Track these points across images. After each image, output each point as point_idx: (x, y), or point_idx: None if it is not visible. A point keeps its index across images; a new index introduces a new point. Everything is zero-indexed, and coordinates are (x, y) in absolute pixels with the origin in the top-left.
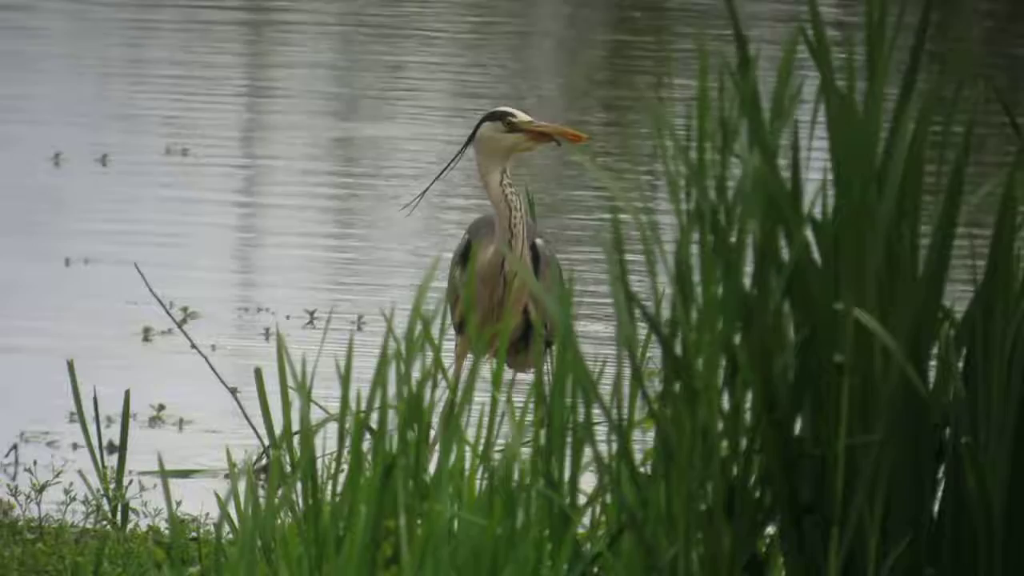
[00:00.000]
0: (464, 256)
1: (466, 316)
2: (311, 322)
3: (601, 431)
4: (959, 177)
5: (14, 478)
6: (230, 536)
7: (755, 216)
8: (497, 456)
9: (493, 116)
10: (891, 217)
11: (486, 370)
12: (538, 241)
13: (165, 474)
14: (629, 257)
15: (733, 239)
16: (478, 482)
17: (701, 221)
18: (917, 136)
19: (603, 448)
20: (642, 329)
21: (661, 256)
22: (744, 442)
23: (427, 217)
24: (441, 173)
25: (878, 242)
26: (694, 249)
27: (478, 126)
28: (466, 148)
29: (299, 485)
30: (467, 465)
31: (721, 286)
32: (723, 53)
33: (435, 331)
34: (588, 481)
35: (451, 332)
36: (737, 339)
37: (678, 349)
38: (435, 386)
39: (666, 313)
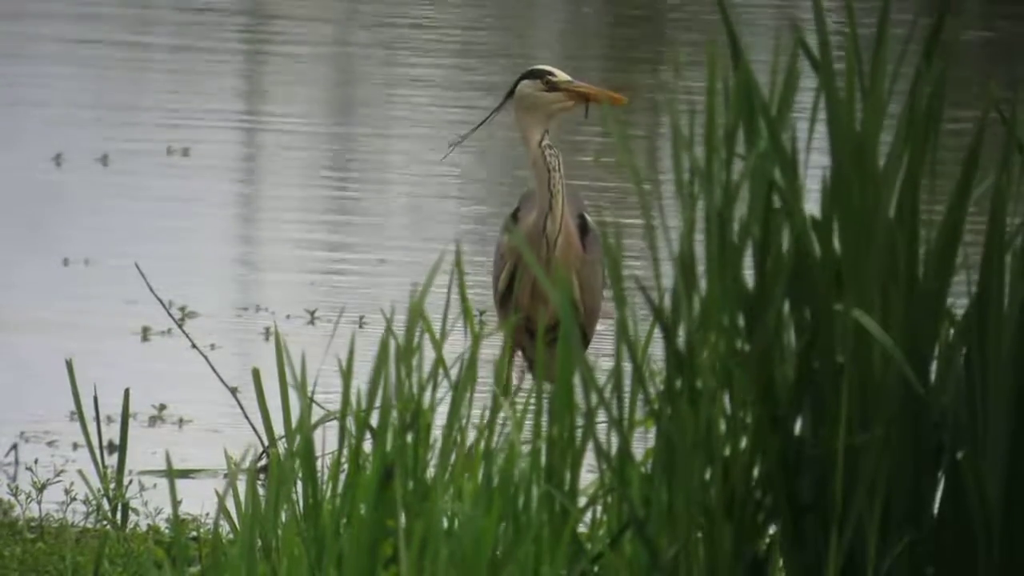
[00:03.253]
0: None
1: (503, 289)
2: (311, 322)
3: (600, 431)
4: (966, 182)
5: (14, 478)
6: (230, 536)
7: (756, 206)
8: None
9: (532, 74)
10: (891, 219)
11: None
12: (587, 215)
13: (170, 473)
14: (630, 255)
15: (735, 237)
16: (479, 481)
17: (707, 219)
18: (917, 138)
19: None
20: (642, 329)
21: (666, 243)
22: (745, 442)
23: (429, 217)
24: (476, 128)
25: (878, 244)
26: (698, 245)
27: (516, 83)
28: (504, 104)
29: (299, 485)
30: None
31: (723, 284)
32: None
33: (437, 330)
34: (587, 480)
35: (457, 327)
36: (739, 339)
37: (680, 344)
38: (436, 386)
39: (667, 312)
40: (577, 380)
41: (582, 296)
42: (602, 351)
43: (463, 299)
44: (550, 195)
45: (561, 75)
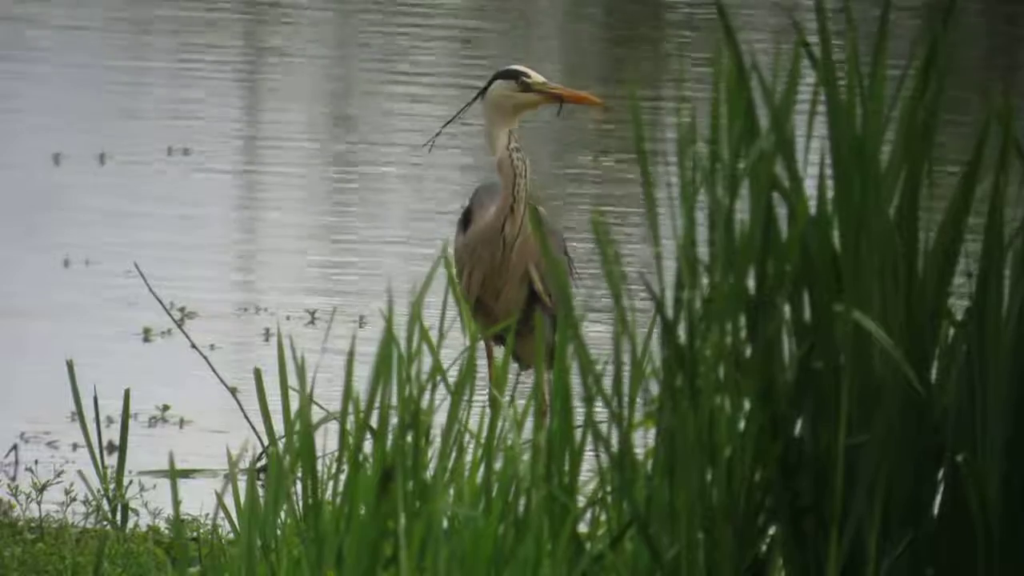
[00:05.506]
0: (465, 222)
1: (464, 292)
2: (312, 322)
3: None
4: (968, 184)
5: (14, 478)
6: (230, 536)
7: (757, 205)
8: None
9: (507, 74)
10: (891, 221)
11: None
12: (540, 208)
13: (172, 474)
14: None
15: (737, 239)
16: (478, 481)
17: (710, 220)
18: (917, 140)
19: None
20: (641, 329)
21: (672, 229)
22: (746, 442)
23: (429, 216)
24: (447, 123)
25: (878, 244)
26: (700, 242)
27: (490, 83)
28: (475, 101)
29: (299, 485)
30: (467, 464)
31: (724, 282)
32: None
33: (435, 332)
34: (584, 478)
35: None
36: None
37: (681, 340)
38: (435, 387)
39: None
40: (575, 368)
41: (545, 286)
42: (601, 352)
43: (457, 301)
44: (513, 199)
45: (536, 76)
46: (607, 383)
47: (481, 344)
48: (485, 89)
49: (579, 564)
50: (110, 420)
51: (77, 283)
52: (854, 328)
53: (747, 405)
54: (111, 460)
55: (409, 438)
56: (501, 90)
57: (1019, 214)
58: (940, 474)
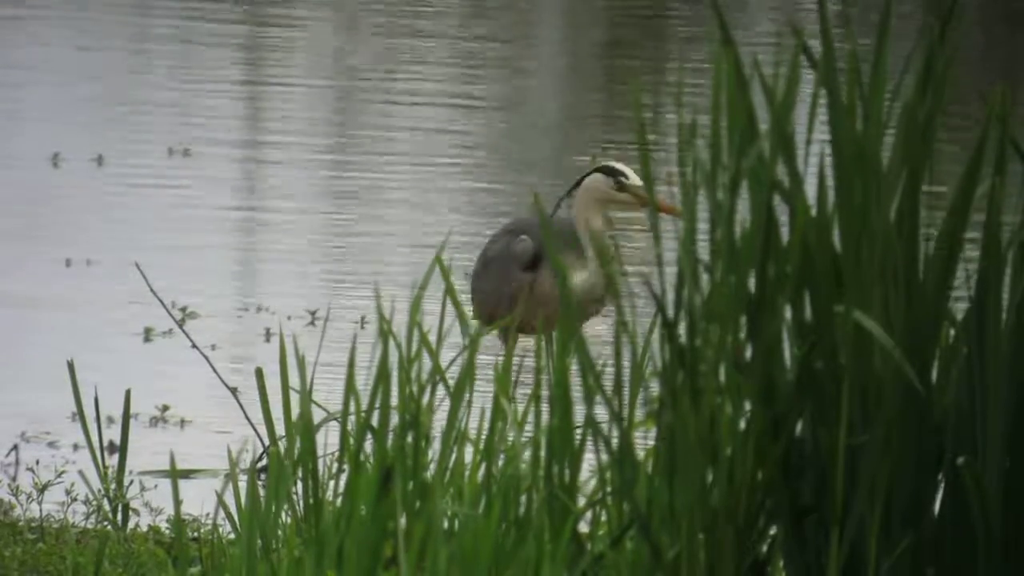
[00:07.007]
0: (533, 264)
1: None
2: (312, 322)
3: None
4: (968, 186)
5: (15, 478)
6: (231, 536)
7: (757, 206)
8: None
9: (606, 170)
10: (891, 221)
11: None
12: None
13: (172, 474)
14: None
15: (737, 240)
16: (479, 481)
17: (710, 218)
18: (917, 140)
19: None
20: (642, 329)
21: (673, 226)
22: (746, 442)
23: (427, 216)
24: (556, 208)
25: (879, 246)
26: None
27: (587, 175)
28: (571, 192)
29: (299, 485)
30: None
31: (725, 284)
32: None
33: (434, 332)
34: (584, 478)
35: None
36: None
37: (682, 339)
38: (435, 387)
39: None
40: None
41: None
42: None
43: (456, 306)
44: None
45: (634, 178)
46: (605, 370)
47: (489, 339)
48: (580, 181)
49: (579, 564)
50: (111, 420)
51: (78, 283)
52: (855, 329)
53: (748, 405)
54: (112, 460)
55: (409, 438)
56: (597, 184)
57: (1019, 212)
58: (940, 475)
